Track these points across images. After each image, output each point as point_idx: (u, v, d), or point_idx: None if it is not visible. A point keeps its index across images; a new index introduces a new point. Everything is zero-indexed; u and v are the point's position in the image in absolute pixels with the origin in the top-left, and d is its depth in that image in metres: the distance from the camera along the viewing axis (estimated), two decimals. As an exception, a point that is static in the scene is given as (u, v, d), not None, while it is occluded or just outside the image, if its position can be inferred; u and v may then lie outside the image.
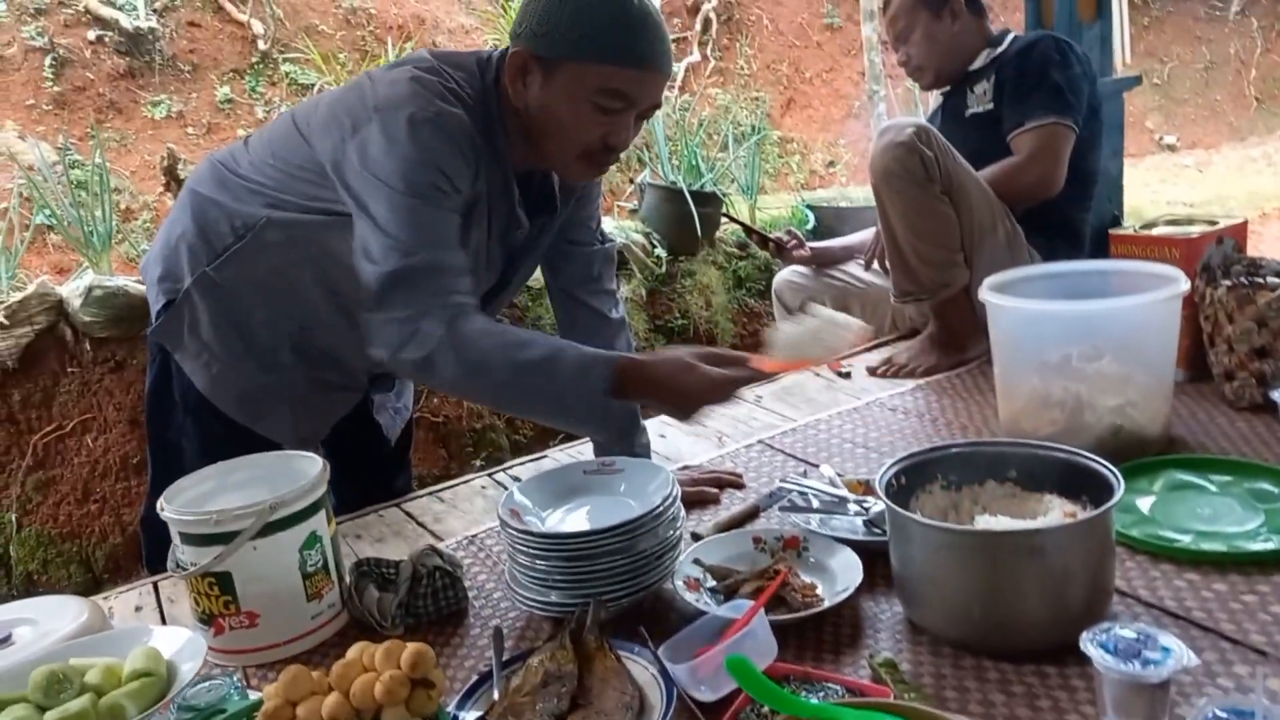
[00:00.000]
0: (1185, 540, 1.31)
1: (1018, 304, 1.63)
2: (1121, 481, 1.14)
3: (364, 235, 1.36)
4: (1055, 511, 1.22)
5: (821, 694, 1.03)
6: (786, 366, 1.55)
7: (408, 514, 1.79)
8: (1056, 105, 2.13)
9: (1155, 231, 1.92)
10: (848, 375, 2.29)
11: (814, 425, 1.98)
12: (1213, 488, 1.46)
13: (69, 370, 2.71)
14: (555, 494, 1.42)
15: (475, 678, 1.15)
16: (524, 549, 1.29)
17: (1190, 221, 1.94)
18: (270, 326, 1.56)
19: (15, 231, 3.26)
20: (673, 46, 1.40)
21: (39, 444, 2.65)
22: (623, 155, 5.11)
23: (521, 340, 1.34)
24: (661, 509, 1.29)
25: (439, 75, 1.40)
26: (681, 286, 3.80)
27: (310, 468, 1.38)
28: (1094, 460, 1.22)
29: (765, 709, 1.00)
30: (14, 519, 2.61)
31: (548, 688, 1.06)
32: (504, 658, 1.18)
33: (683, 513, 1.37)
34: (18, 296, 2.68)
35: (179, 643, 1.05)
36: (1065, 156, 2.15)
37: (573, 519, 1.37)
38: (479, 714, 1.06)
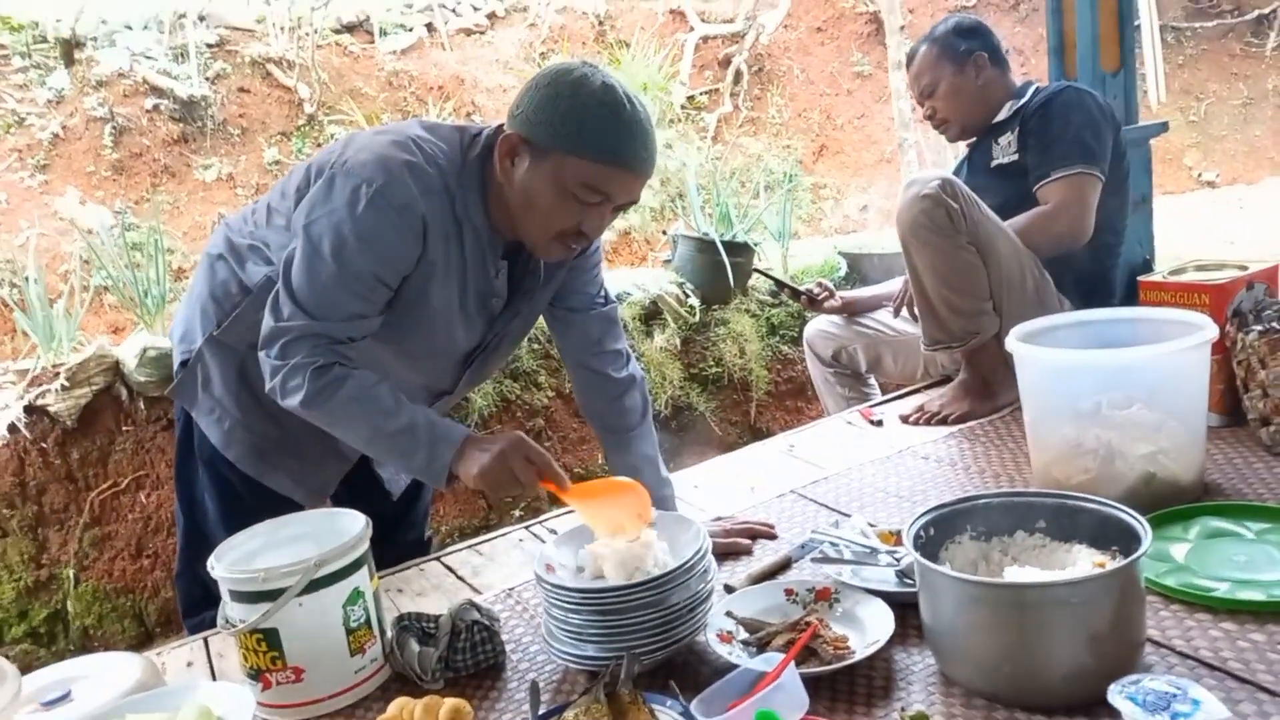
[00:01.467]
0: (1221, 589, 1.30)
1: (1045, 353, 1.65)
2: (1149, 531, 1.14)
3: (279, 286, 1.46)
4: (1084, 562, 1.22)
5: (852, 748, 1.04)
6: (576, 500, 1.45)
7: (447, 567, 1.83)
8: (1081, 155, 2.16)
9: (1184, 278, 1.92)
10: (879, 423, 2.30)
11: (845, 474, 1.99)
12: (1249, 535, 1.45)
13: (124, 429, 2.81)
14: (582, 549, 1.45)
15: (512, 732, 1.17)
16: (559, 603, 1.32)
17: (1220, 266, 1.94)
18: None
19: (75, 294, 3.40)
20: (657, 148, 1.48)
21: (96, 501, 2.75)
22: (656, 205, 5.10)
23: (382, 408, 1.46)
24: (693, 562, 1.32)
25: (417, 146, 1.46)
26: (715, 335, 3.84)
27: (353, 525, 1.43)
28: (1122, 510, 1.22)
29: (795, 763, 1.01)
30: (72, 575, 2.69)
31: (582, 742, 1.08)
32: (540, 712, 1.21)
33: (714, 565, 1.40)
34: (78, 358, 2.80)
35: (229, 699, 1.09)
36: (1093, 205, 2.17)
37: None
38: (515, 768, 1.09)
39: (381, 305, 1.50)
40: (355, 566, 1.37)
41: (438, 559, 1.88)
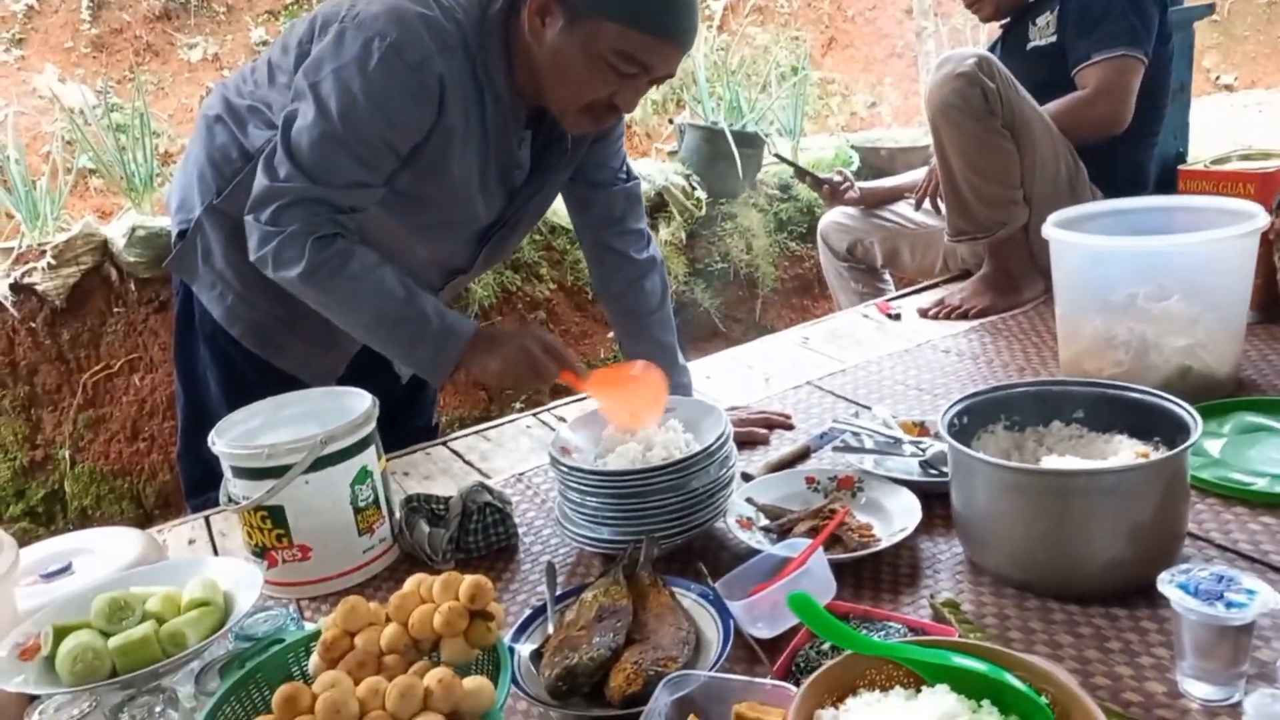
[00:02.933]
0: (1260, 484, 1.26)
1: (1084, 240, 1.57)
2: (1199, 421, 1.09)
3: (276, 144, 1.35)
4: (1126, 452, 1.17)
5: (882, 633, 1.01)
6: (594, 389, 1.41)
7: (455, 452, 1.79)
8: (1125, 36, 2.03)
9: (1228, 167, 1.83)
10: (897, 317, 2.23)
11: (864, 367, 1.94)
12: (1286, 431, 1.41)
13: (115, 310, 2.73)
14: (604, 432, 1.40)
15: (528, 612, 1.14)
16: (575, 485, 1.28)
17: (1265, 156, 1.85)
18: None
19: (59, 173, 3.27)
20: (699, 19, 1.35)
21: (88, 383, 2.69)
22: (661, 96, 4.90)
23: (388, 292, 1.38)
24: (715, 447, 1.27)
25: (433, 2, 1.34)
26: (722, 230, 3.74)
27: (359, 404, 1.37)
28: (1168, 399, 1.17)
29: (826, 646, 0.98)
30: (67, 455, 2.66)
31: (603, 622, 1.05)
32: (557, 593, 1.17)
33: (735, 452, 1.35)
34: (63, 236, 2.70)
35: (236, 573, 1.05)
36: (1134, 91, 2.05)
37: (623, 456, 1.34)
38: (534, 647, 1.06)
39: (387, 174, 1.40)
40: (363, 445, 1.32)
41: (444, 444, 1.83)
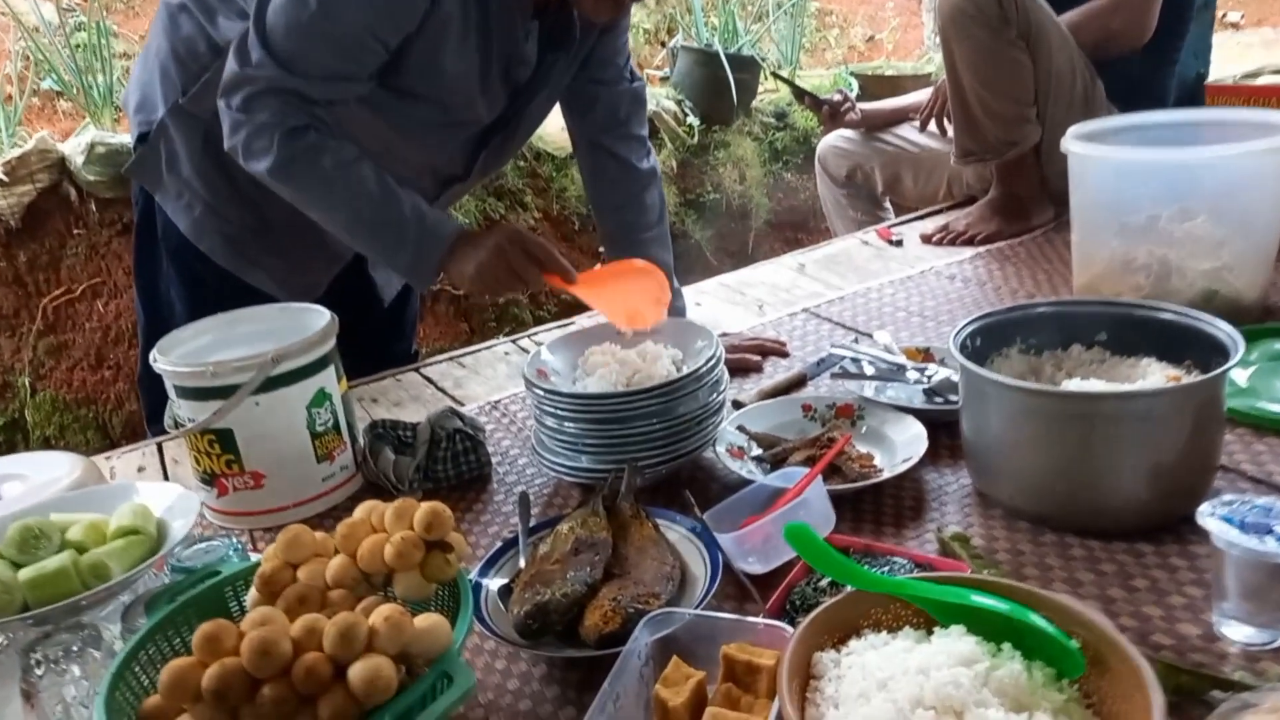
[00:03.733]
0: (1293, 413, 1.17)
1: (1108, 153, 1.45)
2: (1240, 342, 0.99)
3: (250, 25, 1.22)
4: (1155, 376, 1.07)
5: (887, 568, 0.91)
6: (586, 290, 1.28)
7: (426, 378, 1.68)
8: (1152, -61, 1.88)
9: (1260, 81, 1.71)
10: (899, 243, 2.12)
11: (863, 294, 1.83)
12: (1318, 360, 1.31)
13: (75, 232, 2.58)
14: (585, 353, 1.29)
15: (499, 545, 1.05)
16: (552, 410, 1.18)
17: (1299, 70, 1.73)
18: None
19: (15, 86, 3.09)
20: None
21: (49, 307, 2.55)
22: (654, 25, 4.66)
23: (365, 192, 1.27)
24: (704, 370, 1.17)
25: None
26: (714, 158, 3.59)
27: (317, 320, 1.26)
28: (1203, 319, 1.06)
29: (824, 582, 0.89)
30: (27, 383, 2.53)
31: (579, 556, 0.95)
32: (530, 524, 1.08)
33: (727, 377, 1.25)
34: (17, 152, 2.54)
35: (169, 499, 0.95)
36: (1158, 1, 1.91)
37: (604, 379, 1.24)
38: (504, 581, 0.96)
39: (372, 68, 1.26)
40: (320, 365, 1.21)
41: (416, 370, 1.72)
